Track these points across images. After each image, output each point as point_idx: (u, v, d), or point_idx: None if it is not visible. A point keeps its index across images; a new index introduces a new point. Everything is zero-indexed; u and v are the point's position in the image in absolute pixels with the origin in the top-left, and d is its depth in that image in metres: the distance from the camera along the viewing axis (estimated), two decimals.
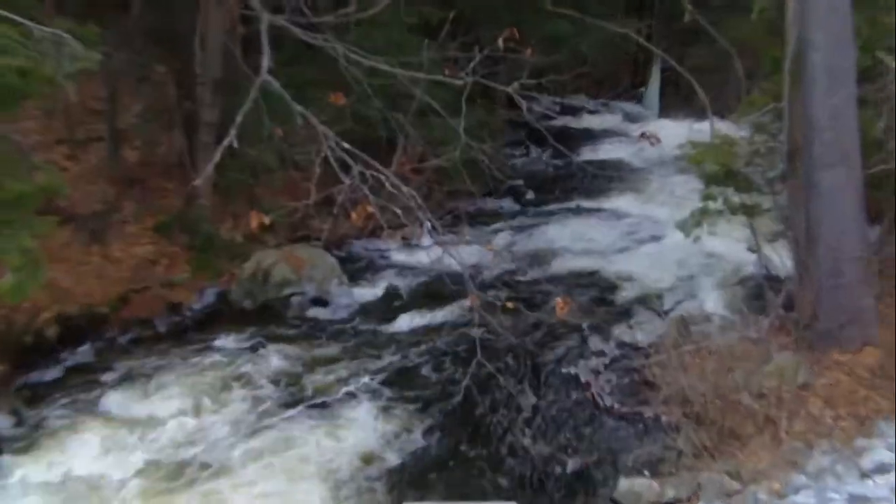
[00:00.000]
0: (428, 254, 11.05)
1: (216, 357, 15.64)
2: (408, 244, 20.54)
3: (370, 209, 9.40)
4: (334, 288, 18.79)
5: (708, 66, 33.71)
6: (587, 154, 29.32)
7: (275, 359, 15.59)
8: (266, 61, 10.24)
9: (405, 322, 17.52)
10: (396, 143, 21.87)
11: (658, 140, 10.66)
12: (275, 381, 14.89)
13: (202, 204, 19.66)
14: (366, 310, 18.40)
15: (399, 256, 20.91)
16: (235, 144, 9.55)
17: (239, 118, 9.57)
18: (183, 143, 20.62)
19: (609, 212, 24.40)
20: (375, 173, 9.75)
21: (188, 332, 17.02)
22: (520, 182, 26.55)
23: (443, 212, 22.71)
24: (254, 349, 16.00)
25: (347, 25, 20.45)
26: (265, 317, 17.74)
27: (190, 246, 19.26)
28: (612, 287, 19.18)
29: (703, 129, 17.54)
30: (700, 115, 27.82)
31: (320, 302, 18.47)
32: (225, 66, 19.77)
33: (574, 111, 33.39)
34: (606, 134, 32.08)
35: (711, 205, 17.07)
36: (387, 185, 9.81)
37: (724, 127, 18.65)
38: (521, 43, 11.47)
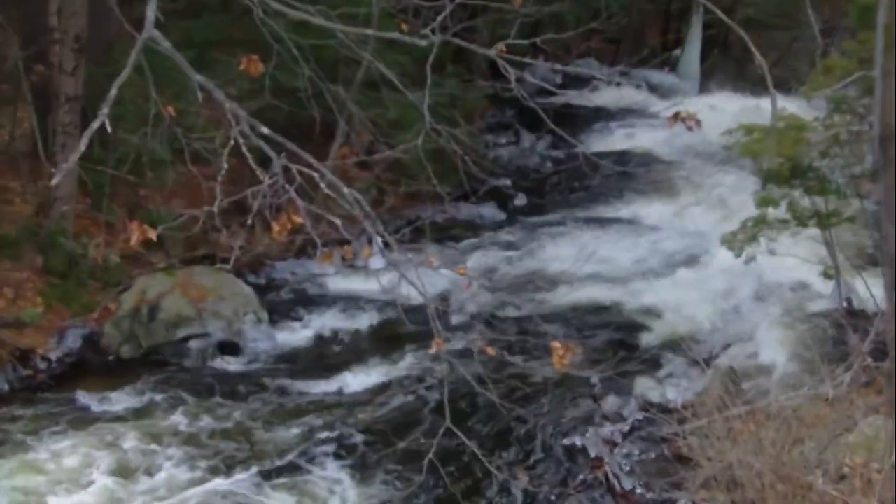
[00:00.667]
0: (379, 280, 11.03)
1: (73, 434, 15.45)
2: (351, 267, 20.54)
3: (298, 219, 9.37)
4: (249, 328, 18.76)
5: (769, 20, 34.04)
6: (599, 143, 29.46)
7: (161, 436, 15.49)
8: (152, 11, 10.21)
9: (347, 376, 17.48)
10: (335, 128, 21.95)
11: (698, 123, 10.65)
12: (159, 469, 14.77)
13: (62, 211, 19.58)
14: (293, 359, 18.34)
15: (339, 284, 20.92)
16: (109, 128, 9.49)
17: (114, 91, 9.51)
18: (33, 124, 20.55)
19: (629, 223, 24.52)
20: (306, 169, 9.72)
21: (40, 394, 16.86)
22: (506, 181, 26.64)
23: (400, 222, 22.81)
24: (132, 420, 15.89)
25: None
26: (151, 370, 17.63)
27: (45, 269, 19.16)
28: (634, 326, 19.24)
29: (760, 108, 17.70)
30: (756, 87, 28.04)
31: (230, 348, 18.41)
32: (92, 18, 19.72)
33: (582, 83, 33.50)
34: (626, 114, 32.25)
35: (771, 212, 17.22)
36: (322, 185, 9.78)
37: (791, 105, 18.82)
38: None
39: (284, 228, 9.12)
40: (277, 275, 21.43)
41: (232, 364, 18.04)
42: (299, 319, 19.60)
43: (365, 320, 19.39)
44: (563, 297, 20.36)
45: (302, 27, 13.62)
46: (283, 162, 9.41)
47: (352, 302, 20.02)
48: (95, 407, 16.23)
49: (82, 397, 16.44)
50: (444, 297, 17.22)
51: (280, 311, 19.79)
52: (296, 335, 19.08)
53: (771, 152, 16.28)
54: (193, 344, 18.26)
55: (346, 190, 9.63)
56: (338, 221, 9.41)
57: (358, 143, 21.74)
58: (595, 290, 20.47)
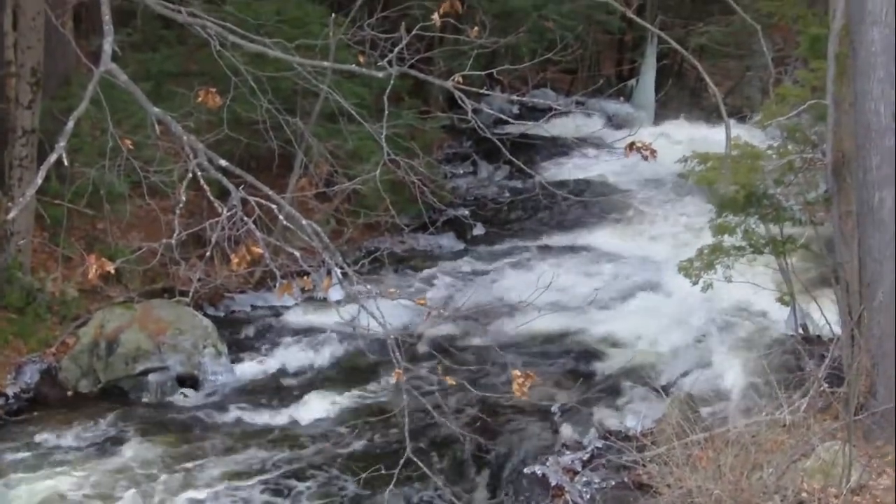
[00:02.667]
0: (338, 312, 11.00)
1: (30, 470, 15.31)
2: (310, 299, 20.49)
3: (257, 251, 9.37)
4: (209, 362, 18.67)
5: (721, 49, 34.31)
6: (556, 172, 29.55)
7: (119, 470, 15.34)
8: (109, 44, 10.20)
9: (307, 408, 17.44)
10: (294, 160, 21.93)
11: (653, 152, 10.71)
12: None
13: (19, 245, 19.46)
14: (253, 391, 18.28)
15: (298, 316, 20.90)
16: (66, 161, 9.46)
17: (71, 124, 9.49)
18: None
19: (587, 251, 24.58)
20: (264, 201, 9.73)
21: None
22: (464, 212, 26.69)
23: (359, 253, 22.80)
24: (90, 455, 15.78)
25: None
26: (109, 404, 17.52)
27: (2, 304, 19.04)
28: (593, 354, 19.27)
29: (715, 137, 17.79)
30: (711, 116, 28.26)
31: (189, 381, 18.32)
32: (49, 51, 19.67)
33: (538, 113, 33.60)
34: (583, 144, 32.22)
35: (727, 240, 17.32)
36: (280, 216, 9.79)
37: (745, 133, 18.98)
38: (464, 19, 11.58)
39: (243, 261, 9.12)
40: (237, 307, 21.38)
41: (191, 397, 17.96)
42: (259, 352, 19.53)
43: (325, 352, 19.35)
44: (523, 325, 20.27)
45: (259, 59, 13.66)
46: (241, 194, 9.41)
47: (312, 334, 19.97)
48: (53, 442, 16.10)
49: (40, 433, 16.30)
50: (403, 328, 17.19)
51: (239, 343, 19.74)
52: (255, 367, 19.02)
53: (726, 180, 16.39)
54: (152, 378, 18.16)
55: (304, 221, 9.65)
56: (297, 253, 9.42)
57: (316, 175, 21.73)
58: (554, 319, 20.38)
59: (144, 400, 17.82)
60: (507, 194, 28.91)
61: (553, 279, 21.38)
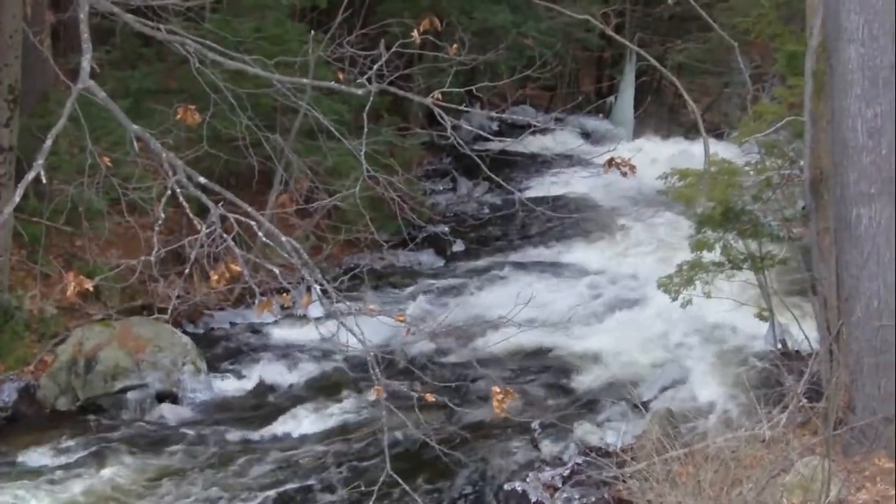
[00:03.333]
0: (318, 329, 10.99)
1: (8, 489, 15.19)
2: (290, 316, 20.48)
3: (236, 268, 9.36)
4: (188, 379, 18.63)
5: (700, 66, 34.40)
6: (536, 188, 29.64)
7: (98, 489, 15.23)
8: (87, 62, 10.18)
9: (287, 425, 17.40)
10: (273, 176, 21.92)
11: (632, 168, 10.73)
12: None
13: None
14: (232, 409, 18.24)
15: (278, 333, 20.89)
16: (45, 178, 9.44)
17: (49, 141, 9.47)
18: None
19: (567, 267, 24.61)
20: (244, 218, 9.72)
21: None
22: (444, 228, 26.65)
23: (338, 270, 22.77)
24: (69, 473, 15.67)
25: (201, 11, 20.52)
26: (88, 422, 17.45)
27: None
28: (572, 370, 19.28)
29: (693, 153, 17.85)
30: (689, 133, 28.33)
31: (168, 399, 18.26)
32: (27, 69, 19.62)
33: (517, 130, 33.66)
34: (562, 160, 32.42)
35: (706, 256, 17.34)
36: (260, 233, 9.78)
37: (723, 149, 19.00)
38: (444, 37, 11.59)
39: (223, 278, 9.12)
40: (216, 324, 21.32)
41: (170, 415, 17.89)
42: (238, 369, 19.49)
43: (304, 369, 19.33)
44: (502, 342, 20.23)
45: (239, 76, 13.62)
46: (220, 211, 9.41)
47: (291, 351, 19.96)
48: (32, 461, 16.03)
49: (18, 451, 16.24)
50: (383, 345, 17.18)
51: (219, 360, 19.68)
52: (235, 385, 18.99)
53: (704, 197, 16.42)
54: (131, 395, 18.10)
55: (284, 238, 9.65)
56: (276, 270, 9.41)
57: (296, 191, 21.72)
58: (533, 335, 20.41)
59: (123, 417, 17.75)
60: (487, 210, 28.98)
61: (533, 295, 21.42)
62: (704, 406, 17.08)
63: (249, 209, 9.80)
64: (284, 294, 9.93)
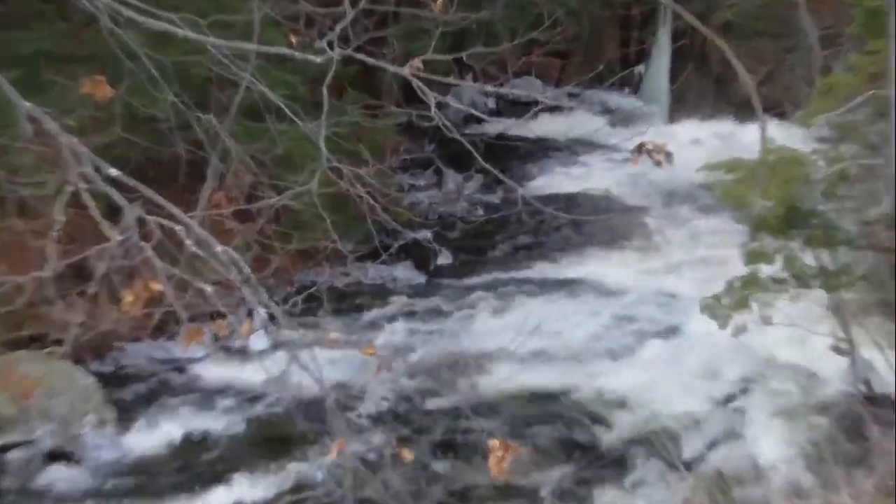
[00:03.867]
0: (263, 365, 11.01)
1: None
2: (226, 349, 20.49)
3: (157, 286, 9.39)
4: (90, 433, 18.61)
5: (754, 26, 34.38)
6: (544, 183, 29.71)
7: None
8: None
9: (221, 491, 17.43)
10: (206, 168, 21.94)
11: (668, 157, 10.78)
12: None
13: None
14: (148, 471, 18.23)
15: (210, 371, 20.92)
16: None
17: None
18: None
19: (584, 286, 24.66)
20: (167, 221, 9.75)
21: None
22: (426, 234, 26.76)
23: (290, 289, 22.73)
24: None
25: None
26: None
27: None
28: (593, 419, 19.31)
29: (746, 138, 17.82)
30: (741, 112, 28.35)
31: (64, 458, 18.26)
32: None
33: (520, 108, 33.76)
34: (578, 147, 32.57)
35: (764, 270, 17.38)
36: (189, 241, 9.82)
37: (785, 133, 19.05)
38: None
39: (139, 299, 9.14)
40: (129, 360, 21.29)
41: (65, 480, 17.84)
42: (157, 419, 19.44)
43: (245, 417, 19.35)
44: (502, 382, 20.43)
45: (163, 40, 13.67)
46: (137, 212, 9.44)
47: (227, 394, 19.99)
48: None
49: None
50: (347, 386, 17.24)
51: (132, 408, 19.67)
52: (153, 440, 18.95)
53: (760, 194, 16.48)
54: (15, 455, 18.06)
55: (219, 248, 9.68)
56: (209, 289, 9.45)
57: (236, 187, 21.76)
58: (542, 374, 20.55)
59: (4, 484, 17.69)
60: (481, 212, 29.05)
61: (540, 322, 21.69)
62: (765, 467, 17.13)
63: (175, 210, 9.83)
64: (219, 320, 9.95)
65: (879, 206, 17.31)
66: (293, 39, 11.56)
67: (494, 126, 26.87)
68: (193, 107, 19.04)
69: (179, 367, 21.11)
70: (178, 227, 9.65)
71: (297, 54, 10.97)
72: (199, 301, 9.81)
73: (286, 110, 13.13)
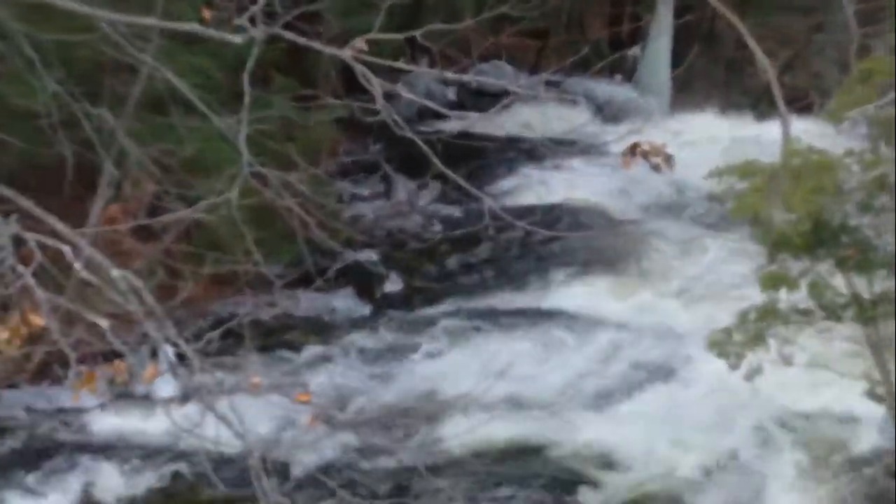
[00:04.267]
0: (171, 416, 10.89)
1: None
2: (125, 396, 20.40)
3: (38, 320, 9.30)
4: None
5: (776, 1, 34.38)
6: (517, 192, 29.78)
7: None
8: None
9: None
10: (98, 174, 21.83)
11: (668, 160, 10.73)
12: None
13: None
14: None
15: (106, 424, 20.80)
16: None
17: None
18: None
19: (565, 318, 24.66)
20: (51, 240, 9.67)
21: None
22: (371, 255, 26.75)
23: (203, 322, 22.64)
24: None
25: None
26: None
27: None
28: (577, 479, 19.35)
29: (764, 136, 17.78)
30: (759, 104, 28.48)
31: None
32: None
33: (488, 100, 33.66)
34: (557, 148, 32.53)
35: (784, 299, 17.34)
36: (77, 265, 9.73)
37: (812, 130, 19.04)
38: None
39: (15, 336, 9.04)
40: (3, 410, 21.17)
41: None
42: (39, 484, 19.34)
43: (147, 479, 19.29)
44: (464, 435, 20.35)
45: (41, 15, 13.57)
46: (12, 229, 9.35)
47: (127, 452, 19.91)
48: None
49: None
50: (274, 440, 17.16)
51: (7, 469, 19.54)
52: None
53: (781, 206, 16.42)
54: None
55: (116, 273, 9.57)
56: (103, 323, 9.34)
57: (135, 198, 21.66)
58: (513, 425, 20.55)
59: None
60: (439, 227, 29.03)
61: (511, 362, 21.70)
62: None
63: (60, 226, 9.74)
64: (117, 361, 9.85)
65: None
66: (206, 14, 11.43)
67: (456, 122, 26.99)
68: (82, 98, 18.91)
69: (67, 419, 20.98)
70: (64, 247, 9.55)
71: (212, 32, 10.87)
72: (92, 338, 9.73)
73: (197, 103, 13.04)
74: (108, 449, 20.12)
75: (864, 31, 17.75)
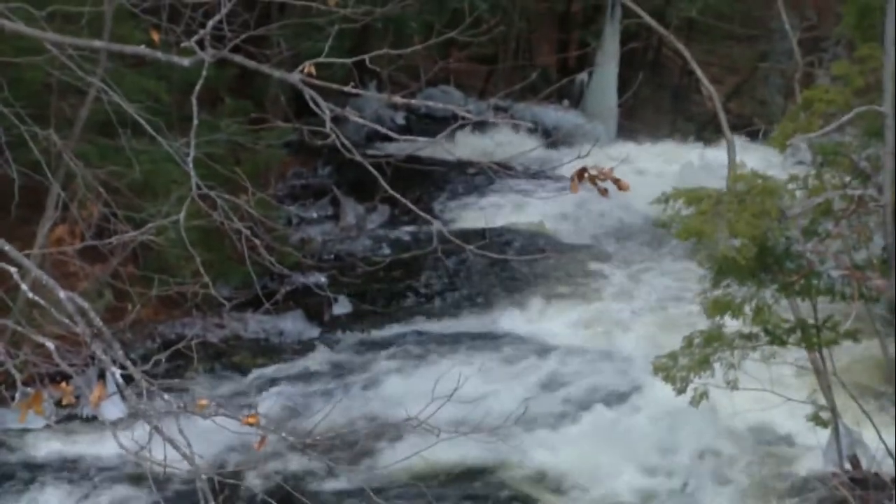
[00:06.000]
0: (118, 438, 10.82)
1: None
2: (72, 418, 20.30)
3: None
4: None
5: (722, 28, 34.49)
6: (465, 216, 29.76)
7: None
8: None
9: None
10: (45, 196, 21.76)
11: (617, 183, 10.74)
12: None
13: None
14: None
15: (52, 446, 20.73)
16: None
17: None
18: None
19: (513, 341, 24.65)
20: None
21: None
22: (320, 278, 26.71)
23: (151, 344, 22.59)
24: None
25: None
26: None
27: None
28: (524, 502, 19.27)
29: (710, 162, 17.81)
30: (704, 130, 28.54)
31: None
32: None
33: (436, 124, 33.84)
34: (506, 172, 32.51)
35: (730, 323, 17.34)
36: (24, 286, 9.71)
37: (757, 156, 19.08)
38: None
39: None
40: None
41: None
42: None
43: (95, 501, 19.17)
44: (412, 458, 20.27)
45: None
46: None
47: (73, 475, 19.80)
48: None
49: None
50: (223, 463, 17.13)
51: None
52: None
53: (726, 231, 16.42)
54: None
55: (63, 294, 9.56)
56: (50, 344, 9.33)
57: (83, 220, 21.58)
58: (462, 447, 20.42)
59: None
60: (388, 251, 29.01)
61: (460, 384, 21.56)
62: None
63: (8, 247, 9.72)
64: (63, 383, 9.81)
65: (869, 247, 17.31)
66: (155, 37, 11.41)
67: (404, 146, 26.95)
68: (29, 120, 18.85)
69: (12, 440, 20.87)
70: (10, 269, 9.53)
71: (160, 55, 10.85)
72: (39, 359, 9.70)
73: (145, 125, 13.00)
74: (54, 471, 20.03)
75: (807, 59, 17.78)
